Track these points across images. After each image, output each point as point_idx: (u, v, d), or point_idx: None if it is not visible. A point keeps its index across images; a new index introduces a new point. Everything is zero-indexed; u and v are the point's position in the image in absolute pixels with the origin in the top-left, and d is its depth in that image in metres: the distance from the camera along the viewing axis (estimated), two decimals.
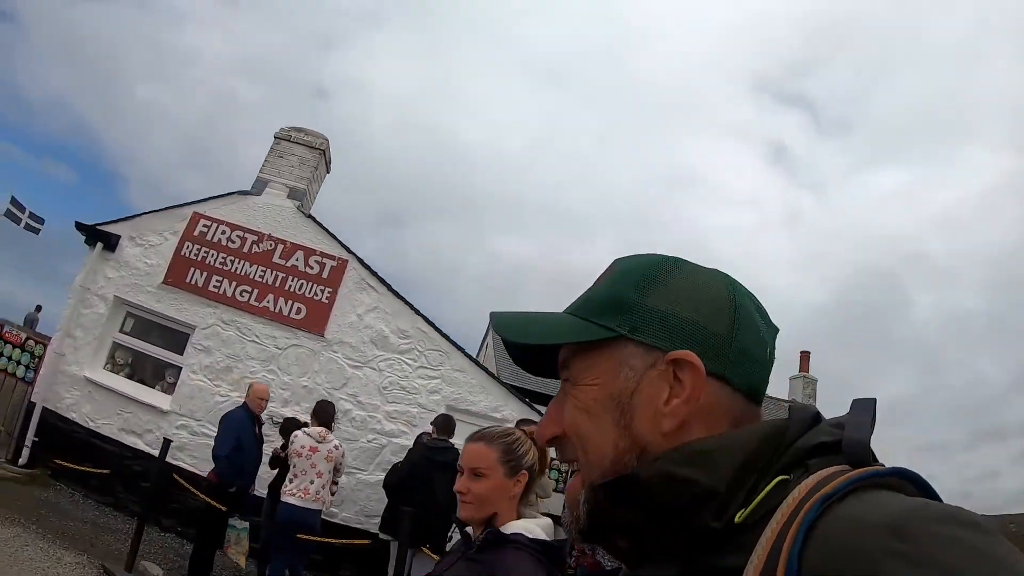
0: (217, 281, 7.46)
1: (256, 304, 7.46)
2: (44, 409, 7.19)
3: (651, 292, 0.62)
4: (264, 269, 7.56)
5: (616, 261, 0.68)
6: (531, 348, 0.68)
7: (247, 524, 5.62)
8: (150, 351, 7.63)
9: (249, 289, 7.50)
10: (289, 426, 5.96)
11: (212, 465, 5.77)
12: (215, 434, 5.92)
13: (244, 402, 5.94)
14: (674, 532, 0.56)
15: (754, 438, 0.57)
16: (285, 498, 5.25)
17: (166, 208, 7.81)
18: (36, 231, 20.08)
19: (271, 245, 7.64)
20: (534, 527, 1.46)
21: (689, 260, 0.66)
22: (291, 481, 5.31)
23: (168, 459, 6.54)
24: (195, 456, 7.05)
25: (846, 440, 0.53)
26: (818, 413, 0.60)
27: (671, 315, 0.61)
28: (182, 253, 7.55)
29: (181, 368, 7.45)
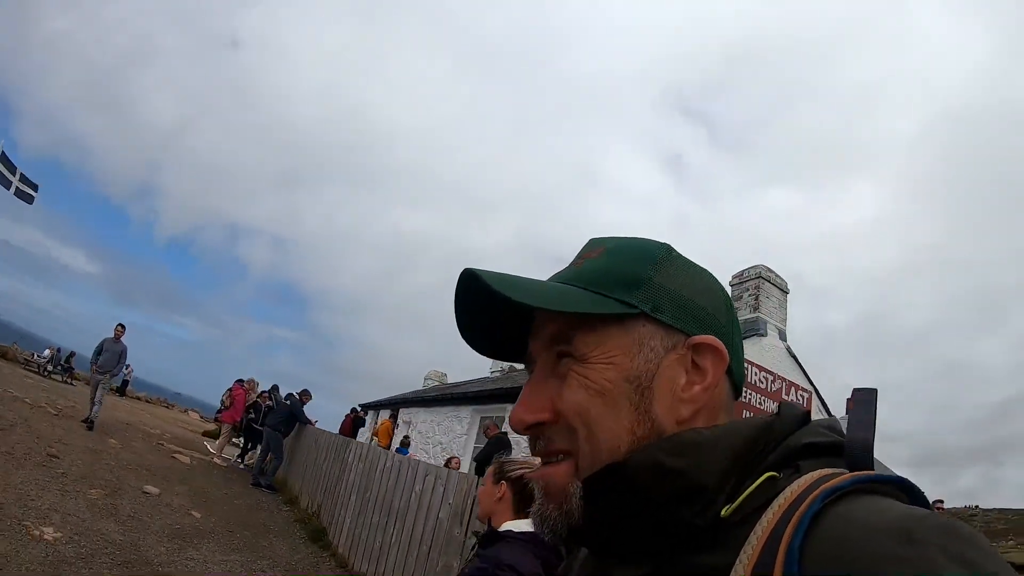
0: None
1: None
2: None
3: (665, 273, 0.59)
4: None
5: (600, 240, 0.63)
6: (497, 318, 0.61)
7: None
8: None
9: None
10: None
11: None
12: None
13: None
14: (653, 526, 0.53)
15: (745, 433, 0.54)
16: None
17: None
18: (29, 199, 16.61)
19: (782, 383, 8.93)
20: (521, 523, 1.77)
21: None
22: None
23: None
24: None
25: (849, 439, 0.52)
26: (807, 413, 0.57)
27: (687, 298, 0.58)
28: None
29: None
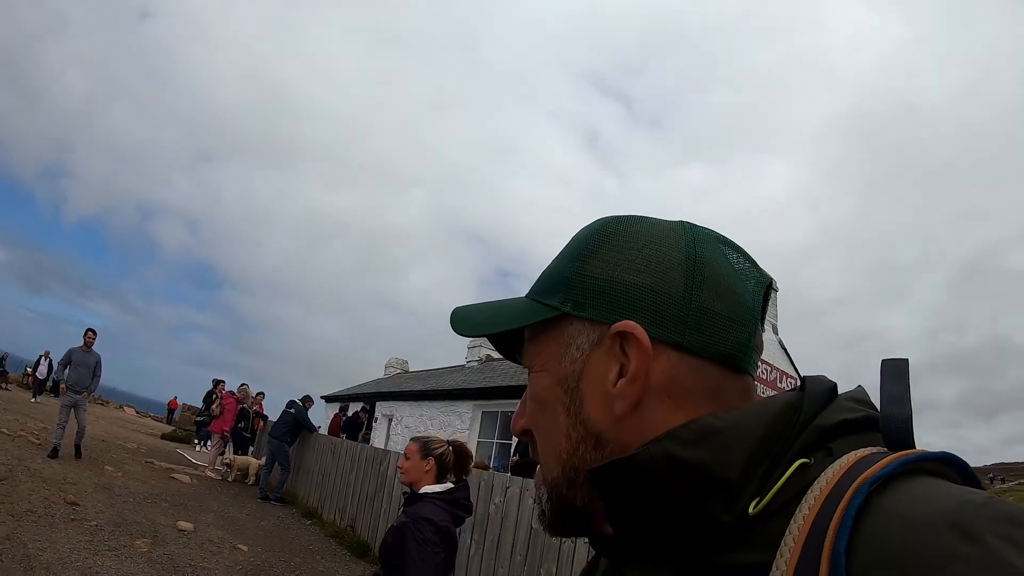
0: None
1: None
2: None
3: (592, 260, 0.54)
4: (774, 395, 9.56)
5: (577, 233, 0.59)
6: (496, 340, 0.61)
7: None
8: None
9: None
10: None
11: None
12: None
13: None
14: (675, 524, 0.48)
15: (768, 416, 0.48)
16: None
17: None
18: None
19: (777, 373, 9.64)
20: (437, 487, 2.33)
21: (644, 216, 0.57)
22: None
23: None
24: None
25: (885, 416, 0.47)
26: (834, 386, 0.52)
27: (613, 282, 0.53)
28: None
29: None
